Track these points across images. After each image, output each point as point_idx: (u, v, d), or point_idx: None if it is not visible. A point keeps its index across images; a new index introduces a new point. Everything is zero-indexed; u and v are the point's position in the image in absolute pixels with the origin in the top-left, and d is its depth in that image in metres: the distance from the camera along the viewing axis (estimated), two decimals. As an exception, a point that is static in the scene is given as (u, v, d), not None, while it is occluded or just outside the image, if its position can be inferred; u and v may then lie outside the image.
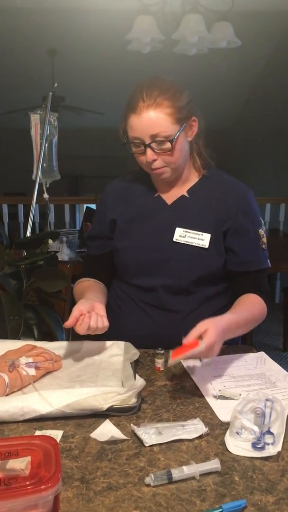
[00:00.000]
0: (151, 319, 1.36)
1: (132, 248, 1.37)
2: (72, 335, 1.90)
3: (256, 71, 6.09)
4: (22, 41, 5.26)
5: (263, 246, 1.38)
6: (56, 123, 2.17)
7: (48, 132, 2.11)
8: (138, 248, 1.37)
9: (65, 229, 4.18)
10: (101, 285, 1.46)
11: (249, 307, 1.32)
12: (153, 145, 1.24)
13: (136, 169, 1.39)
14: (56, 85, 2.08)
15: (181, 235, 1.33)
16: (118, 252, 1.41)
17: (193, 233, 1.33)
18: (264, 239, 1.38)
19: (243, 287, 1.36)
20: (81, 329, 1.16)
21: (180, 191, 1.38)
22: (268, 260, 1.40)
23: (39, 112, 2.12)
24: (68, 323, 1.17)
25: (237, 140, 7.80)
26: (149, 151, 1.24)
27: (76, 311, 1.18)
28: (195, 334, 1.07)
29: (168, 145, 1.24)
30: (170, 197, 1.38)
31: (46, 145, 2.13)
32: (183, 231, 1.33)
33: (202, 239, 1.32)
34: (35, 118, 2.12)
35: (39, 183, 2.14)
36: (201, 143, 1.37)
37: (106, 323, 1.20)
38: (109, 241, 1.43)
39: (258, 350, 1.35)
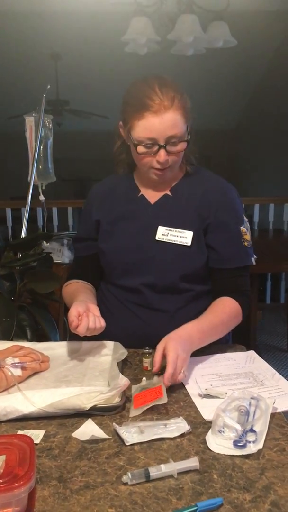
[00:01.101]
0: (139, 319, 1.36)
1: (116, 249, 1.37)
2: (65, 337, 1.91)
3: (259, 70, 6.07)
4: (25, 46, 5.30)
5: (246, 244, 1.36)
6: (50, 125, 2.17)
7: (42, 134, 2.11)
8: (122, 249, 1.37)
9: (67, 232, 4.19)
10: (90, 286, 1.46)
11: (218, 313, 1.29)
12: (168, 146, 1.23)
13: (119, 172, 1.41)
14: (49, 87, 2.08)
15: (164, 233, 1.33)
16: (103, 254, 1.41)
17: (175, 231, 1.32)
18: (247, 237, 1.36)
19: (222, 286, 1.35)
20: (81, 329, 1.15)
21: (164, 190, 1.38)
22: (252, 258, 1.38)
23: (33, 114, 2.13)
24: (80, 329, 1.15)
25: (242, 140, 7.78)
26: (163, 152, 1.23)
27: (74, 312, 1.18)
28: (159, 354, 1.11)
29: (181, 145, 1.25)
30: (153, 196, 1.38)
31: (41, 147, 2.13)
32: (166, 229, 1.33)
33: (184, 237, 1.31)
34: (29, 121, 2.12)
35: (34, 185, 2.15)
36: (191, 141, 1.36)
37: (103, 323, 1.20)
38: (95, 242, 1.44)
39: (262, 351, 1.35)
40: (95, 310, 1.22)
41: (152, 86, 1.21)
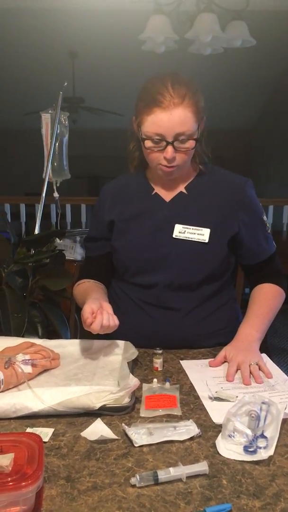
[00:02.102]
0: (151, 318, 1.36)
1: (131, 247, 1.37)
2: (76, 334, 1.91)
3: (278, 70, 6.02)
4: (43, 43, 5.32)
5: (269, 231, 1.40)
6: (66, 122, 2.17)
7: (58, 131, 2.11)
8: (137, 247, 1.36)
9: (80, 229, 4.20)
10: (102, 285, 1.46)
11: (263, 303, 1.35)
12: (175, 143, 1.22)
13: (131, 171, 1.41)
14: (66, 84, 2.08)
15: (181, 231, 1.32)
16: (117, 252, 1.40)
17: (192, 228, 1.32)
18: (267, 223, 1.40)
19: (261, 278, 1.40)
20: (95, 326, 1.15)
21: (178, 188, 1.37)
22: (273, 242, 1.42)
23: (50, 111, 2.13)
24: (94, 326, 1.14)
25: (258, 140, 7.73)
26: (170, 148, 1.22)
27: (88, 309, 1.17)
28: (220, 358, 1.21)
29: (190, 143, 1.24)
30: (168, 194, 1.38)
31: (57, 144, 2.13)
32: (183, 227, 1.32)
33: (201, 234, 1.31)
34: (46, 118, 2.12)
35: (49, 182, 2.15)
36: (202, 140, 1.35)
37: (116, 321, 1.19)
38: (107, 242, 1.43)
39: (273, 354, 1.34)
40: (108, 308, 1.21)
41: (165, 82, 1.21)
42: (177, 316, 1.33)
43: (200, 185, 1.37)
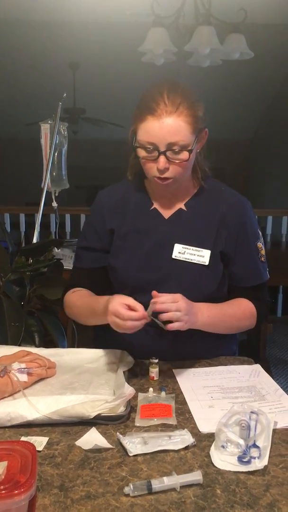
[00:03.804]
0: (147, 334, 1.29)
1: (129, 266, 1.30)
2: (73, 343, 1.90)
3: (275, 83, 6.08)
4: (44, 55, 5.38)
5: (262, 259, 1.35)
6: (66, 132, 2.20)
7: (57, 141, 2.13)
8: (135, 267, 1.30)
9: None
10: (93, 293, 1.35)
11: (232, 306, 1.31)
12: (168, 153, 1.18)
13: (130, 178, 1.36)
14: (65, 95, 2.10)
15: (180, 251, 1.28)
16: (114, 271, 1.33)
17: (192, 249, 1.28)
18: (263, 252, 1.36)
19: (244, 296, 1.34)
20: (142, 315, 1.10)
21: (178, 204, 1.32)
22: (267, 272, 1.37)
23: (49, 122, 2.15)
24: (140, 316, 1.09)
25: (257, 152, 7.77)
26: (162, 158, 1.18)
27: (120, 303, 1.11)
28: (167, 297, 1.13)
29: (184, 154, 1.18)
30: (167, 210, 1.33)
31: (56, 154, 2.15)
32: (182, 247, 1.28)
33: (202, 256, 1.27)
34: (45, 128, 2.15)
35: (48, 191, 2.17)
36: (203, 154, 1.32)
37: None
38: (105, 255, 1.35)
39: (272, 365, 1.33)
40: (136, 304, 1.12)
41: (161, 91, 1.18)
42: (175, 334, 1.26)
43: (200, 203, 1.32)
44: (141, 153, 1.21)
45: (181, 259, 1.28)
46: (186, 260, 1.28)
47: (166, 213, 1.33)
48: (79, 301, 1.33)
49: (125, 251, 1.32)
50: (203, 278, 1.28)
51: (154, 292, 1.13)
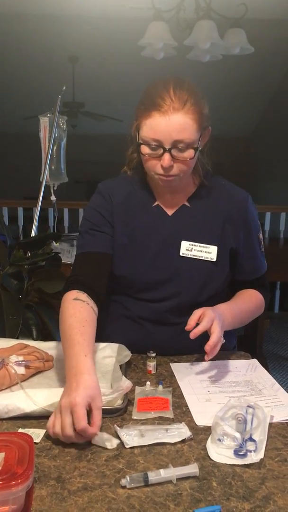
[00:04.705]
0: (147, 331, 1.31)
1: (136, 265, 1.28)
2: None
3: (275, 78, 6.06)
4: (44, 48, 5.36)
5: (262, 250, 1.38)
6: (65, 126, 2.18)
7: (56, 134, 2.12)
8: (143, 265, 1.28)
9: (77, 233, 4.21)
10: (92, 312, 1.17)
11: (246, 301, 1.34)
12: (173, 151, 1.14)
13: (129, 173, 1.33)
14: (64, 88, 2.09)
15: (188, 248, 1.27)
16: (119, 269, 1.29)
17: (199, 246, 1.27)
18: (262, 242, 1.39)
19: (248, 287, 1.38)
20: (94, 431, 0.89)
21: (180, 200, 1.31)
22: (265, 261, 1.40)
23: (48, 115, 2.14)
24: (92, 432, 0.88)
25: (256, 148, 7.76)
26: (167, 156, 1.15)
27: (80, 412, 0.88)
28: (195, 318, 1.13)
29: (189, 152, 1.16)
30: (170, 206, 1.31)
31: (55, 147, 2.14)
32: (189, 244, 1.27)
33: (209, 252, 1.27)
34: (44, 121, 2.13)
35: (47, 185, 2.16)
36: (205, 150, 1.30)
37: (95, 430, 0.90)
38: (111, 240, 1.28)
39: (268, 360, 1.34)
40: (98, 401, 0.92)
41: (167, 86, 1.14)
42: (175, 330, 1.28)
43: (202, 198, 1.31)
44: (145, 150, 1.17)
45: (189, 256, 1.27)
46: (194, 257, 1.27)
47: (170, 210, 1.31)
48: (67, 323, 1.11)
49: (131, 249, 1.29)
50: (212, 274, 1.28)
51: (189, 325, 1.13)
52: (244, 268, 1.35)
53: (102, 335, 1.29)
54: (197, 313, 1.14)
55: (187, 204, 1.31)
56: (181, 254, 1.27)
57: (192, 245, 1.27)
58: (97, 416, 0.90)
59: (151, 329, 1.31)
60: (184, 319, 1.18)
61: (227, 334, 1.31)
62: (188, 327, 1.12)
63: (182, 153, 1.16)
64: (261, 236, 1.38)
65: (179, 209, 1.31)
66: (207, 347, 1.10)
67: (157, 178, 1.22)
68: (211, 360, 1.16)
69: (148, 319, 1.31)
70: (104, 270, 1.27)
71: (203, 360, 1.24)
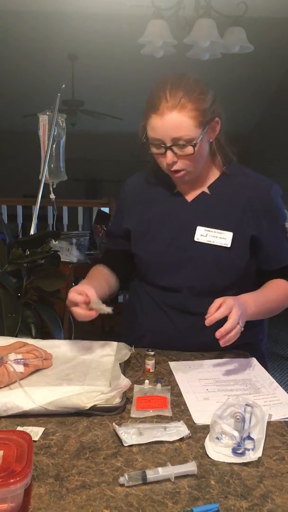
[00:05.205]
0: (172, 321, 1.33)
1: (153, 252, 1.34)
2: (70, 335, 1.91)
3: (275, 77, 6.06)
4: (43, 46, 5.34)
5: None
6: (64, 124, 2.18)
7: (55, 132, 2.12)
8: (158, 250, 1.34)
9: (76, 231, 4.21)
10: (109, 274, 1.43)
11: (273, 290, 1.32)
12: (174, 148, 1.20)
13: (153, 168, 1.37)
14: (63, 86, 2.09)
15: (203, 234, 1.30)
16: (137, 255, 1.38)
17: (214, 231, 1.29)
18: None
19: (277, 276, 1.36)
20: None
21: (201, 188, 1.35)
22: None
23: (47, 113, 2.14)
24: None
25: (256, 146, 7.76)
26: (169, 153, 1.21)
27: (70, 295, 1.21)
28: (215, 305, 1.13)
29: (190, 149, 1.20)
30: (190, 194, 1.35)
31: (54, 145, 2.14)
32: (205, 230, 1.30)
33: (224, 238, 1.28)
34: (43, 119, 2.13)
35: (46, 183, 2.16)
36: (222, 139, 1.33)
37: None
38: (126, 241, 1.42)
39: (269, 359, 1.34)
40: (91, 294, 1.20)
41: (164, 86, 1.19)
42: (198, 320, 1.26)
43: (223, 186, 1.34)
44: (152, 149, 1.25)
45: (203, 241, 1.30)
46: (209, 242, 1.29)
47: (190, 197, 1.35)
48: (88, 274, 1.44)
49: (149, 235, 1.36)
50: (225, 259, 1.29)
51: (208, 313, 1.15)
52: (269, 258, 1.34)
53: (138, 324, 1.39)
54: (217, 302, 1.15)
55: (207, 191, 1.34)
56: (195, 239, 1.30)
57: (208, 230, 1.30)
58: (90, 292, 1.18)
59: (174, 317, 1.34)
60: (204, 309, 1.20)
61: (252, 327, 1.32)
62: (207, 315, 1.13)
63: (183, 149, 1.21)
64: (287, 225, 1.35)
65: (198, 196, 1.34)
66: (218, 333, 1.10)
67: (169, 174, 1.29)
68: (210, 358, 1.16)
69: (169, 305, 1.34)
70: (122, 262, 1.45)
71: (203, 358, 1.25)
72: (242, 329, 1.14)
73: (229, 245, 1.28)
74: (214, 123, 1.25)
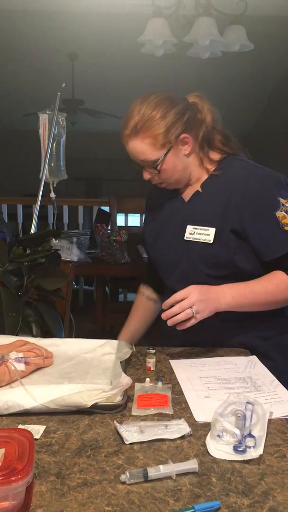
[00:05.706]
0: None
1: (156, 253, 1.46)
2: (70, 334, 1.91)
3: (275, 75, 6.05)
4: (43, 45, 5.34)
5: (286, 228, 1.28)
6: (64, 123, 2.18)
7: (56, 131, 2.12)
8: (160, 252, 1.44)
9: (77, 230, 4.21)
10: (152, 304, 1.58)
11: (262, 281, 1.28)
12: (146, 167, 1.32)
13: None
14: (63, 85, 2.08)
15: (191, 232, 1.34)
16: (150, 252, 1.52)
17: (200, 229, 1.33)
18: (286, 220, 1.28)
19: (278, 268, 1.32)
20: None
21: (195, 187, 1.40)
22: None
23: (48, 112, 2.13)
24: None
25: (256, 146, 7.75)
26: (144, 172, 1.33)
27: None
28: (178, 296, 1.20)
29: (154, 169, 1.31)
30: (187, 194, 1.41)
31: (54, 144, 2.14)
32: (193, 228, 1.34)
33: (207, 234, 1.31)
34: (43, 118, 2.13)
35: (46, 182, 2.15)
36: (218, 138, 1.37)
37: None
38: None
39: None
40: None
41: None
42: (211, 321, 1.26)
43: (212, 183, 1.37)
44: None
45: (191, 239, 1.34)
46: (195, 240, 1.33)
47: (186, 196, 1.41)
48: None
49: (155, 236, 1.46)
50: (209, 255, 1.31)
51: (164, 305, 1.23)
52: (260, 248, 1.30)
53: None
54: (182, 291, 1.21)
55: (200, 189, 1.38)
56: (185, 238, 1.35)
57: (195, 228, 1.34)
58: None
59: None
60: None
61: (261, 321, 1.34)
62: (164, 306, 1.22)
63: (151, 169, 1.32)
64: (282, 214, 1.27)
65: (192, 196, 1.39)
66: (163, 314, 1.19)
67: None
68: (211, 356, 1.17)
69: None
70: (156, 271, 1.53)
71: (204, 356, 1.25)
72: (197, 315, 1.18)
73: (211, 241, 1.30)
74: (181, 140, 1.29)
